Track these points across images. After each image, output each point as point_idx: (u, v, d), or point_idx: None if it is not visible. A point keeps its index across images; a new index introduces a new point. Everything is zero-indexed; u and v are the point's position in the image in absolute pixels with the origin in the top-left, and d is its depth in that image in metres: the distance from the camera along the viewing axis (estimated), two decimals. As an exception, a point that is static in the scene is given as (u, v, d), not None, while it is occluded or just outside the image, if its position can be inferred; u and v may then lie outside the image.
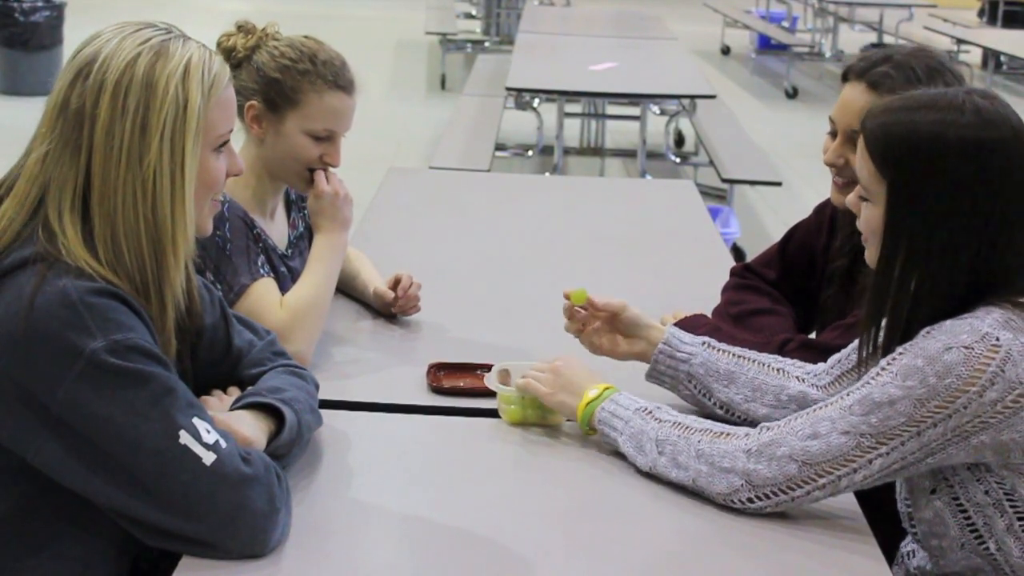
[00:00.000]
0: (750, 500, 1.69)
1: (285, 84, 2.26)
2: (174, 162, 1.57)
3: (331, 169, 2.32)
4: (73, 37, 8.70)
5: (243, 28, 2.31)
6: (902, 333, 1.64)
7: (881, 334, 1.69)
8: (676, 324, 2.34)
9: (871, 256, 1.71)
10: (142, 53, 1.57)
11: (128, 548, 1.64)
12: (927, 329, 1.61)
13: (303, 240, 2.49)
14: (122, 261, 1.56)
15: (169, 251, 1.58)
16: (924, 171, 1.61)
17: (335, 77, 2.28)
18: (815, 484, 1.65)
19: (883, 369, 1.62)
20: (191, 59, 1.59)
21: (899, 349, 1.62)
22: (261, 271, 2.22)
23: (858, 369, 1.75)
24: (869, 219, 1.69)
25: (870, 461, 1.62)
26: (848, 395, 1.65)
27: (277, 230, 2.40)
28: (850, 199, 1.76)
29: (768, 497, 1.68)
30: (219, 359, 1.83)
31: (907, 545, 1.87)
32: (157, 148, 1.55)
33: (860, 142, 1.68)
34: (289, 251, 2.42)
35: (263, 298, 2.17)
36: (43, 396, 1.48)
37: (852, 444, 1.62)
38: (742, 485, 1.69)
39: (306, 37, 2.33)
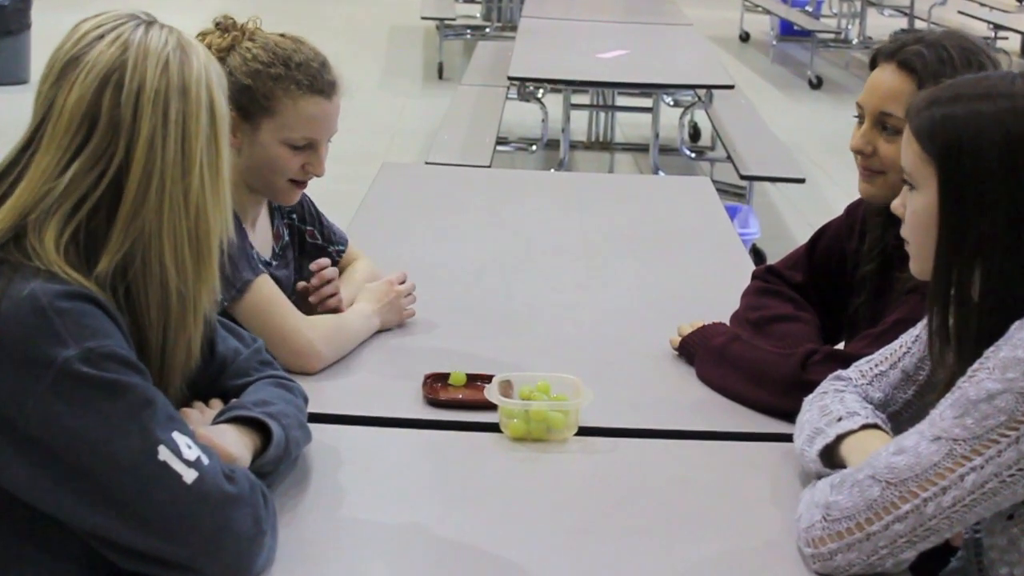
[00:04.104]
0: (821, 541, 1.61)
1: (257, 91, 2.23)
2: (212, 167, 1.60)
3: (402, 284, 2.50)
4: (41, 22, 8.76)
5: (221, 25, 2.28)
6: (977, 335, 1.60)
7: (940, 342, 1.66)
8: (692, 334, 2.34)
9: (918, 254, 1.69)
10: (169, 54, 1.57)
11: (98, 572, 1.63)
12: (1020, 321, 1.57)
13: (289, 250, 2.49)
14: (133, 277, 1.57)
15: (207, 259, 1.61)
16: (979, 162, 1.60)
17: (311, 81, 2.24)
18: (896, 513, 1.56)
19: (977, 369, 1.57)
20: (205, 54, 1.62)
21: (992, 347, 1.57)
22: (260, 267, 2.23)
23: (932, 377, 1.70)
24: (917, 210, 1.67)
25: (962, 477, 1.53)
26: (939, 404, 1.59)
27: (260, 240, 2.38)
28: (895, 204, 1.75)
29: (840, 537, 1.59)
30: (200, 367, 1.82)
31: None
32: (198, 157, 1.57)
33: (905, 130, 1.68)
34: (274, 261, 2.42)
35: (267, 292, 2.20)
36: (10, 410, 1.47)
37: (944, 452, 1.54)
38: (819, 521, 1.62)
39: (282, 36, 2.29)
